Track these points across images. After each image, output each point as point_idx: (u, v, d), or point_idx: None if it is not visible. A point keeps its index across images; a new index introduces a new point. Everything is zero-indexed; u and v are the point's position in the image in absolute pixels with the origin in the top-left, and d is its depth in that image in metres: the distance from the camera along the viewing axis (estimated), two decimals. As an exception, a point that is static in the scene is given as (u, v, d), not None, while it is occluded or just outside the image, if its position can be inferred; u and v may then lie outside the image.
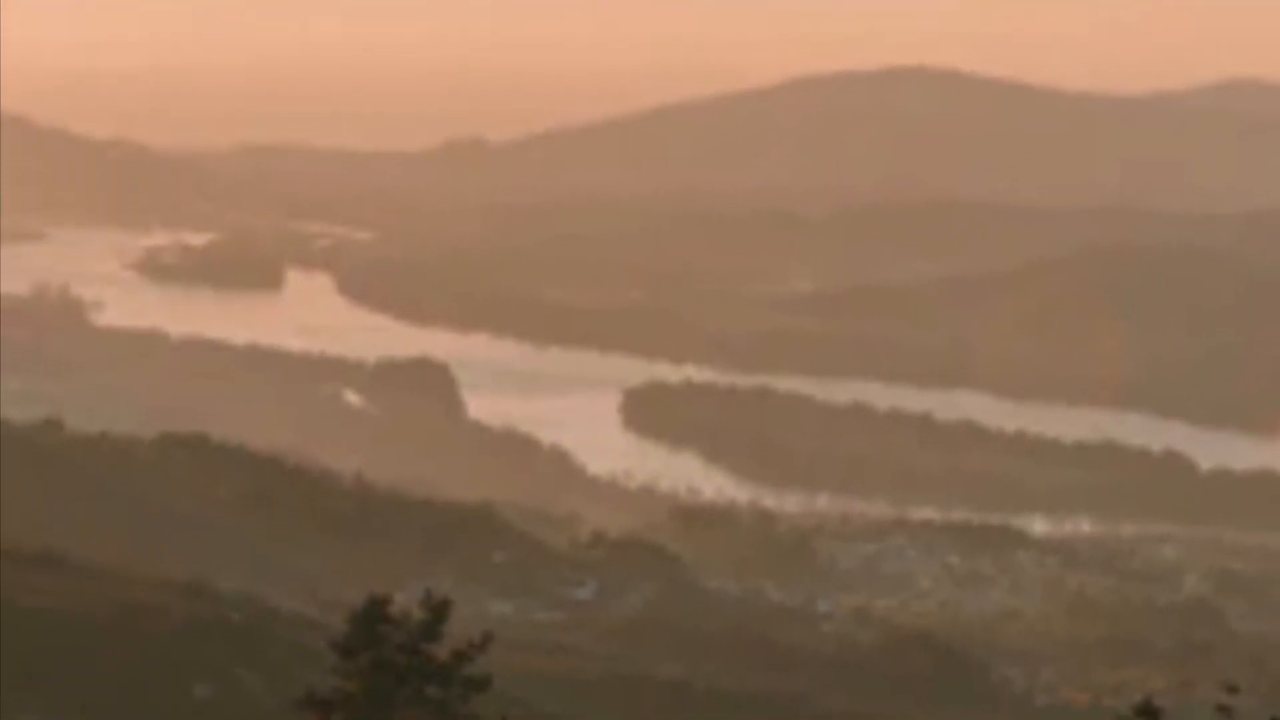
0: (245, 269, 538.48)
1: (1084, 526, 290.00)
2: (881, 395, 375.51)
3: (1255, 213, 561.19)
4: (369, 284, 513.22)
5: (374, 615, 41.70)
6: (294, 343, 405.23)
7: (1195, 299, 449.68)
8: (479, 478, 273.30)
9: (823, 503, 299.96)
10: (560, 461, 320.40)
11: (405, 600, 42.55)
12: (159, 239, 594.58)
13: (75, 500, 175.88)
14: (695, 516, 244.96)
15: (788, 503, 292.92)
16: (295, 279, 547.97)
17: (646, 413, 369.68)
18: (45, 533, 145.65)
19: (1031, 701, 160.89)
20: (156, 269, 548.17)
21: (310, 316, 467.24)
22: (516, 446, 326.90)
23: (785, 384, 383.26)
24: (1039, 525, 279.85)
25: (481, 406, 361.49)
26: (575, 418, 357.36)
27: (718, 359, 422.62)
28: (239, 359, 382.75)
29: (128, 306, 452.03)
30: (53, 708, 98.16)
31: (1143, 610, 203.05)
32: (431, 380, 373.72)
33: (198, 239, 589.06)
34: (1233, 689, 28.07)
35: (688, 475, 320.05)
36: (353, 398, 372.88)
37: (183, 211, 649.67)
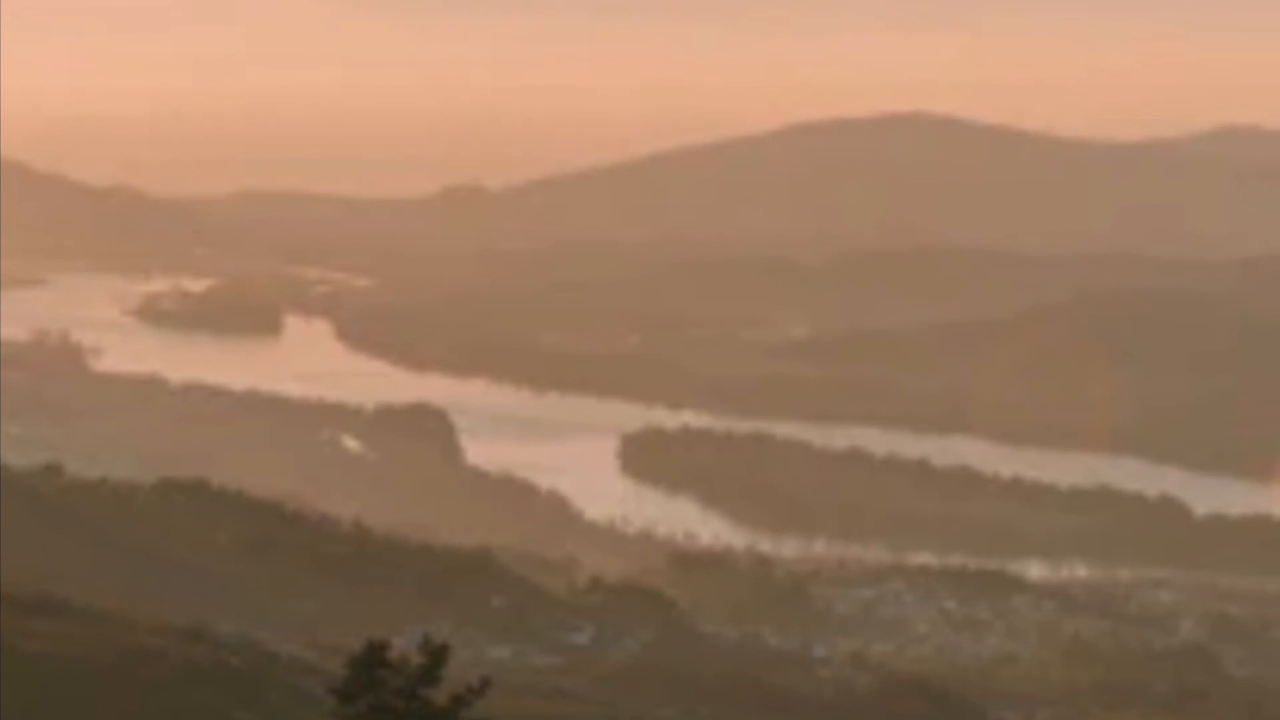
0: (244, 315, 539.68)
1: (1080, 571, 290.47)
2: (878, 441, 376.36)
3: (1250, 259, 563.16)
4: (367, 329, 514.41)
5: (372, 660, 42.11)
6: (293, 388, 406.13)
7: (1190, 344, 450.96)
8: (477, 522, 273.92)
9: (820, 548, 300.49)
10: (558, 506, 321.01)
11: (403, 645, 42.99)
12: (158, 285, 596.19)
13: (75, 545, 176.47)
14: (692, 562, 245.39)
15: (784, 548, 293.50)
16: (294, 325, 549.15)
17: (644, 458, 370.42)
18: (45, 578, 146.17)
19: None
20: (156, 315, 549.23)
21: (309, 362, 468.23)
22: (514, 491, 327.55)
23: (782, 429, 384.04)
24: (1035, 570, 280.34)
25: (479, 452, 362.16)
26: (573, 463, 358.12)
27: (714, 404, 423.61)
28: (238, 404, 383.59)
29: (127, 352, 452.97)
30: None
31: (1139, 655, 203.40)
32: (430, 426, 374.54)
33: (197, 285, 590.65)
34: None
35: (685, 520, 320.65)
36: (351, 443, 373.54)
37: (182, 257, 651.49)
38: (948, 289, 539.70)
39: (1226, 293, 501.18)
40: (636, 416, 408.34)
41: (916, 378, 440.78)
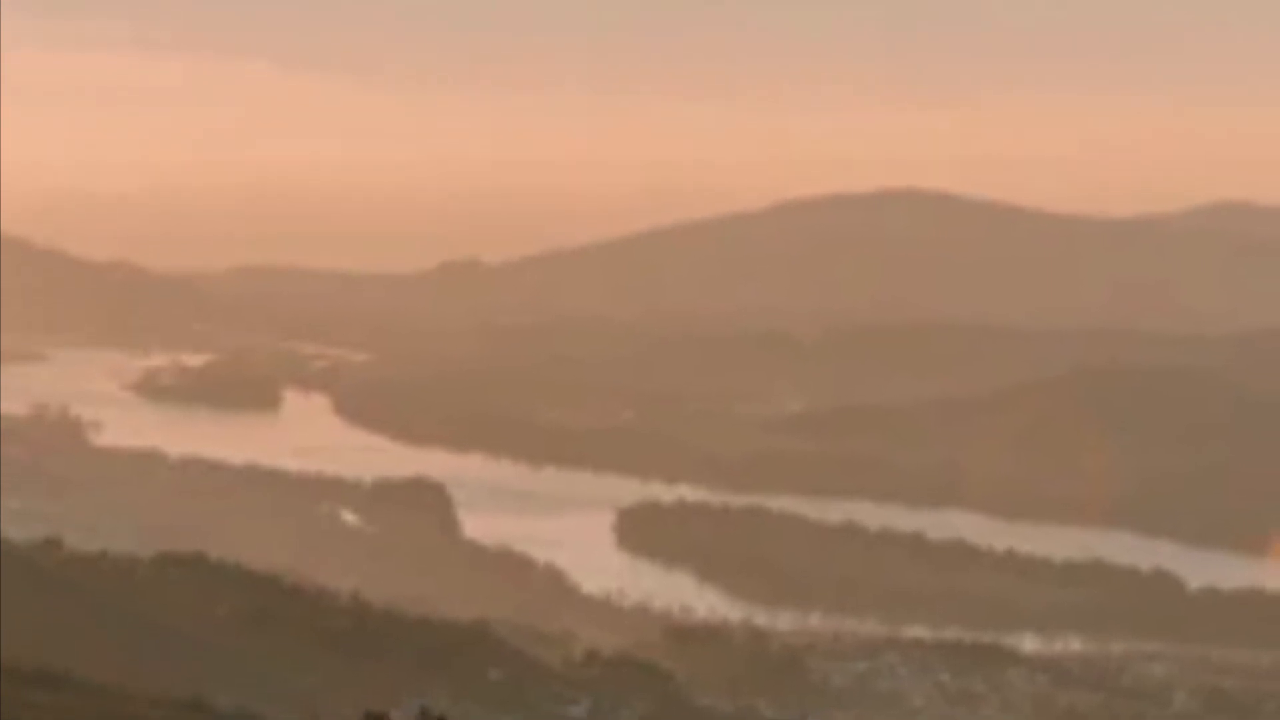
0: (242, 389, 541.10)
1: (1074, 644, 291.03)
2: (873, 514, 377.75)
3: (1244, 334, 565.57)
4: (365, 404, 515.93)
5: None
6: (291, 463, 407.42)
7: (1184, 418, 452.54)
8: (474, 595, 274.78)
9: (815, 621, 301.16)
10: (555, 580, 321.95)
11: (401, 717, 44.54)
12: (157, 360, 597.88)
13: (74, 617, 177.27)
14: (688, 635, 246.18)
15: (780, 621, 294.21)
16: (292, 399, 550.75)
17: (640, 531, 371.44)
18: (45, 651, 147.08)
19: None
20: (155, 389, 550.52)
21: (307, 436, 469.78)
22: (511, 565, 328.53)
23: (777, 503, 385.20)
24: (1029, 643, 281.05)
25: (477, 525, 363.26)
26: (570, 537, 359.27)
27: (710, 478, 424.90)
28: (237, 479, 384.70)
29: (126, 426, 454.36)
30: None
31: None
32: (428, 500, 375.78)
33: (195, 360, 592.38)
34: None
35: (681, 594, 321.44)
36: (350, 517, 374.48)
37: (180, 332, 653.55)
38: (942, 364, 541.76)
39: (1220, 367, 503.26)
40: (632, 491, 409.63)
41: (911, 452, 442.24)
